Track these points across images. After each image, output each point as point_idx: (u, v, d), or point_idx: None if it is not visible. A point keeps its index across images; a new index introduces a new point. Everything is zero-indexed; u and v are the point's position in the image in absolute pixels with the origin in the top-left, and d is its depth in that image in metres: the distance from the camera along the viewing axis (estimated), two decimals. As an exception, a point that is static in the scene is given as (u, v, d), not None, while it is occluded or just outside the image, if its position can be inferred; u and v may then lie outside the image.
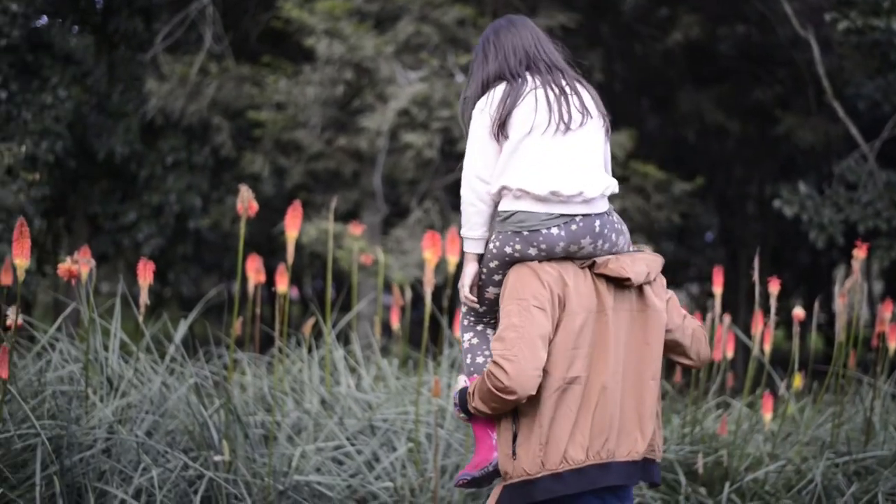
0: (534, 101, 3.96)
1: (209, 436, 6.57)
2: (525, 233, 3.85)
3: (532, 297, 3.77)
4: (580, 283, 3.88)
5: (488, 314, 4.12)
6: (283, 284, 7.16)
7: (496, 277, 3.97)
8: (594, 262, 3.92)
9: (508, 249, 3.89)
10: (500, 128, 3.94)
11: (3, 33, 15.36)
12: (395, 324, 8.27)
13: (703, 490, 6.84)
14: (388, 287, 15.63)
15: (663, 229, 16.51)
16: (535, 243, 3.85)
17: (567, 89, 4.03)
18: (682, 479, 6.78)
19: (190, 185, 17.37)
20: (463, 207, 4.04)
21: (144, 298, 6.47)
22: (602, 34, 17.52)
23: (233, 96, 16.17)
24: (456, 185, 15.99)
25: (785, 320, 8.60)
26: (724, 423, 7.27)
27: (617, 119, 15.25)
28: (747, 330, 9.84)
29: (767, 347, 7.28)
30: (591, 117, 4.02)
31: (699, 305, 23.90)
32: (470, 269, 4.04)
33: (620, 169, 15.24)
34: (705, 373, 7.52)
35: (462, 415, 3.98)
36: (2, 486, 5.93)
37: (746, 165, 20.21)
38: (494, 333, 3.91)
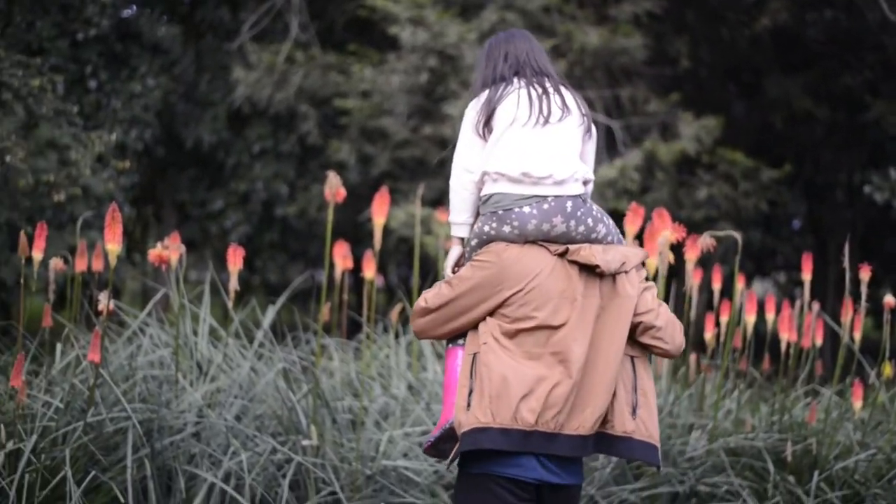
0: (516, 97, 4.29)
1: (297, 420, 6.63)
2: (500, 212, 4.15)
3: (478, 274, 4.14)
4: (554, 268, 4.15)
5: None
6: (370, 270, 7.20)
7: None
8: (567, 250, 4.16)
9: (486, 228, 4.18)
10: (485, 124, 4.27)
11: (92, 23, 15.53)
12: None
13: (791, 478, 6.78)
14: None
15: (750, 217, 16.33)
16: (508, 221, 4.13)
17: (550, 90, 4.34)
18: (771, 467, 6.73)
19: (276, 172, 17.48)
20: (450, 196, 4.38)
21: (234, 284, 6.53)
22: (688, 20, 17.36)
23: (319, 84, 16.24)
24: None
25: (874, 309, 8.53)
26: (814, 411, 7.21)
27: (703, 105, 15.11)
28: (836, 318, 9.74)
29: (857, 335, 7.20)
30: (570, 114, 4.31)
31: (786, 294, 23.62)
32: (454, 252, 4.41)
33: (708, 156, 15.14)
34: (794, 361, 7.45)
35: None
36: (94, 469, 6.02)
37: (835, 152, 19.93)
38: None
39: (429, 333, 4.27)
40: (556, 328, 4.10)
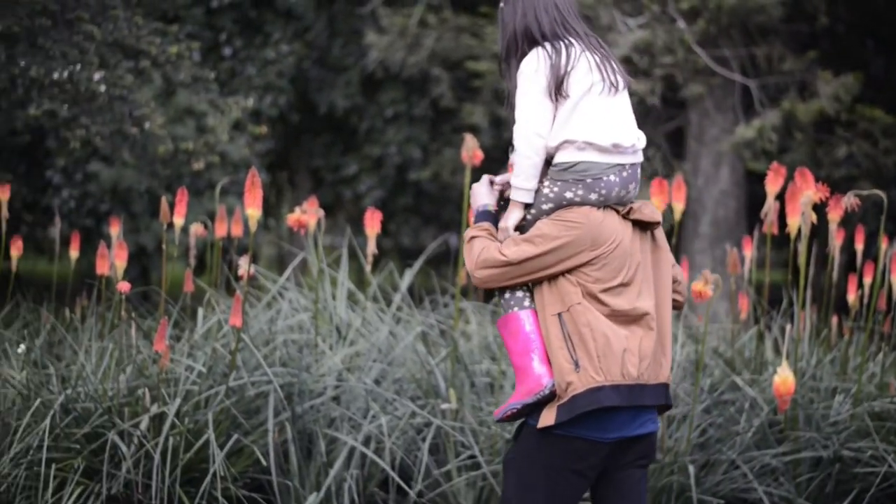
0: (587, 63, 4.25)
1: (436, 384, 6.62)
2: (589, 180, 4.19)
3: (568, 231, 4.15)
4: (624, 228, 4.25)
5: None
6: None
7: (544, 219, 4.26)
8: (630, 209, 4.27)
9: (569, 195, 4.20)
10: (557, 89, 4.21)
11: (227, -9, 15.68)
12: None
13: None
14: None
15: (891, 175, 15.95)
16: (596, 189, 4.19)
17: (604, 54, 4.33)
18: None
19: (409, 136, 17.52)
20: (518, 160, 4.27)
21: (372, 248, 6.54)
22: (827, -25, 17.00)
23: (451, 47, 16.19)
24: (678, 132, 15.78)
25: None
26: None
27: (841, 63, 14.70)
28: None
29: None
30: (624, 88, 4.33)
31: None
32: (516, 214, 4.30)
33: (846, 113, 14.80)
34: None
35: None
36: (236, 432, 6.09)
37: (979, 106, 19.39)
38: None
39: (491, 284, 4.25)
40: (629, 285, 4.21)
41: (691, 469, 6.13)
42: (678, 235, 8.46)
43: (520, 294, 4.26)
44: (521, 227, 4.31)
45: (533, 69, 4.23)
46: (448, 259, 21.98)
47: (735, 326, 7.70)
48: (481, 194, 4.44)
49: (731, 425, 6.60)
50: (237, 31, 16.44)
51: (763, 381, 6.82)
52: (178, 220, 6.39)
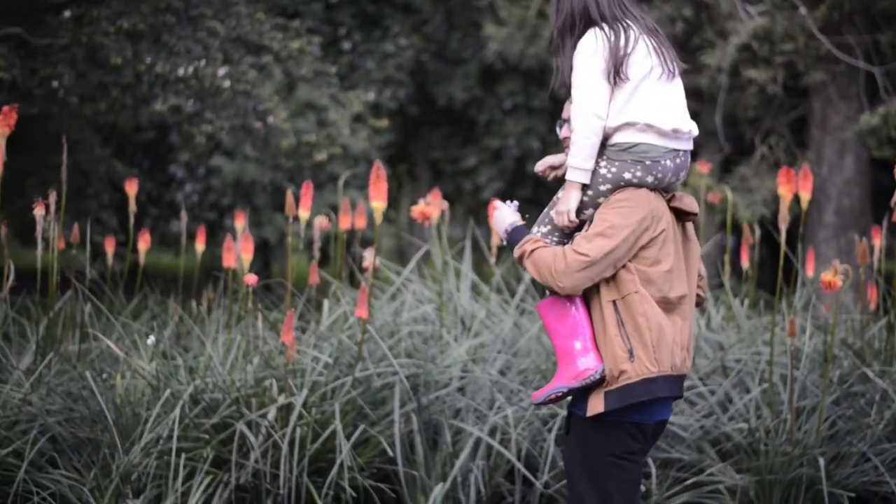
0: (645, 47, 4.25)
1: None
2: (647, 162, 4.21)
3: (634, 218, 4.15)
4: (666, 212, 4.28)
5: (568, 237, 4.37)
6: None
7: (601, 201, 4.25)
8: (672, 196, 4.34)
9: (627, 175, 4.22)
10: (616, 71, 4.20)
11: (346, -15, 15.77)
12: (746, 262, 8.05)
13: None
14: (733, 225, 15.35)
15: None
16: (654, 172, 4.22)
17: (662, 39, 4.35)
18: None
19: (528, 128, 17.49)
20: (576, 140, 4.25)
21: (496, 239, 6.52)
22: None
23: (570, 38, 16.10)
24: (801, 120, 15.52)
25: None
26: None
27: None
28: None
29: None
30: (678, 75, 4.36)
31: None
32: (575, 196, 4.27)
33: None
34: None
35: (504, 242, 4.45)
36: (363, 423, 6.12)
37: None
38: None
39: (581, 289, 4.15)
40: (672, 272, 4.22)
41: (821, 462, 6.03)
42: (804, 226, 8.31)
43: (553, 237, 4.34)
44: (579, 208, 4.28)
45: (591, 51, 4.22)
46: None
47: (864, 317, 7.55)
48: (506, 214, 4.45)
49: (862, 417, 6.48)
50: (356, 25, 16.54)
51: (894, 373, 6.68)
52: (304, 213, 6.45)
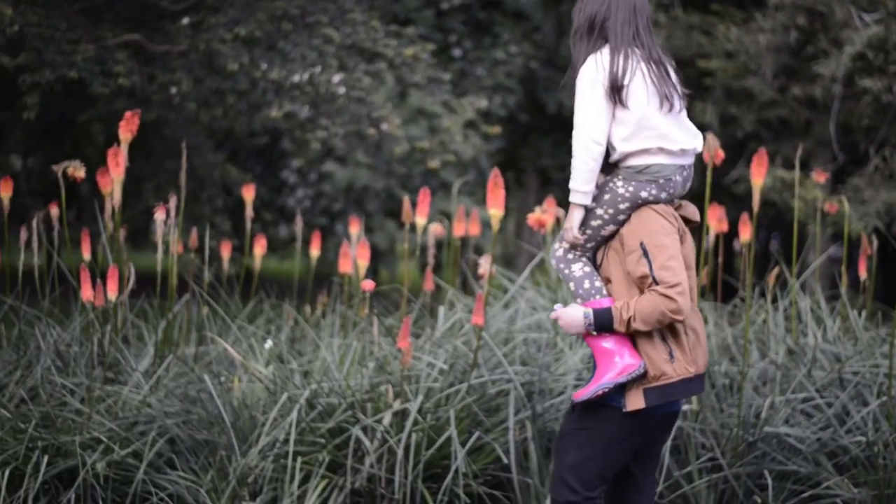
0: (643, 77, 4.41)
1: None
2: (661, 181, 4.45)
3: (673, 233, 4.42)
4: (679, 220, 4.54)
5: (591, 251, 4.61)
6: (746, 234, 7.04)
7: (621, 218, 4.48)
8: (679, 205, 4.60)
9: (644, 194, 4.44)
10: (615, 95, 4.39)
11: (456, -8, 15.81)
12: (863, 273, 7.94)
13: None
14: (840, 237, 15.14)
15: None
16: (667, 189, 4.47)
17: (663, 69, 4.46)
18: None
19: (636, 135, 17.38)
20: (576, 165, 4.49)
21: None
22: None
23: (682, 45, 16.00)
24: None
25: None
26: None
27: None
28: None
29: None
30: (682, 100, 4.52)
31: None
32: (577, 215, 4.53)
33: None
34: None
35: (594, 332, 4.47)
36: (477, 430, 6.12)
37: None
38: (592, 265, 4.58)
39: (688, 309, 4.38)
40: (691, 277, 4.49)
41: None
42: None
43: (598, 283, 4.52)
44: (593, 228, 4.51)
45: (591, 79, 4.43)
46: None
47: None
48: (573, 311, 4.52)
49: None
50: (467, 32, 16.59)
51: None
52: (420, 220, 6.48)
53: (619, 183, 4.46)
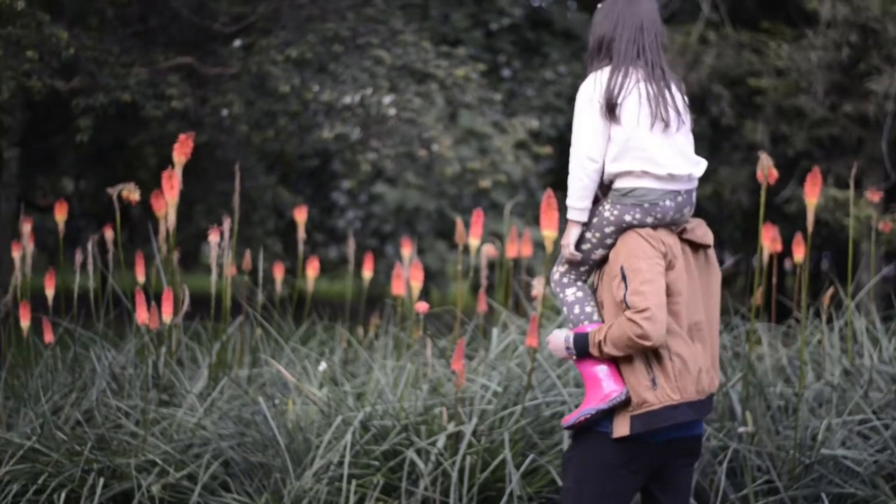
0: (637, 95, 4.39)
1: (731, 406, 6.50)
2: (646, 205, 4.39)
3: (655, 257, 4.31)
4: (676, 245, 4.43)
5: (585, 274, 4.62)
6: (799, 254, 6.98)
7: (608, 242, 4.46)
8: (683, 229, 4.48)
9: (628, 218, 4.40)
10: (609, 112, 4.38)
11: (505, 13, 15.82)
12: (920, 293, 7.88)
13: None
14: (894, 256, 15.05)
15: None
16: (652, 213, 4.39)
17: (664, 88, 4.45)
18: None
19: (689, 155, 17.33)
20: (571, 182, 4.51)
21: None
22: None
23: (732, 64, 15.95)
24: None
25: None
26: None
27: None
28: None
29: None
30: (683, 123, 4.50)
31: None
32: (574, 231, 4.51)
33: None
34: None
35: (574, 356, 4.47)
36: (532, 452, 6.10)
37: None
38: (589, 288, 4.58)
39: (665, 332, 4.29)
40: (688, 301, 4.40)
41: None
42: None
43: (589, 309, 4.51)
44: (584, 251, 4.51)
45: (588, 96, 4.45)
46: (733, 279, 21.66)
47: None
48: (557, 334, 4.56)
49: None
50: (516, 52, 16.58)
51: None
52: (474, 241, 6.47)
53: (607, 206, 4.46)
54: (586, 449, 4.46)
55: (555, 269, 4.69)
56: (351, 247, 8.67)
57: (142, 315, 6.42)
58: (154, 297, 6.59)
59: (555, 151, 17.00)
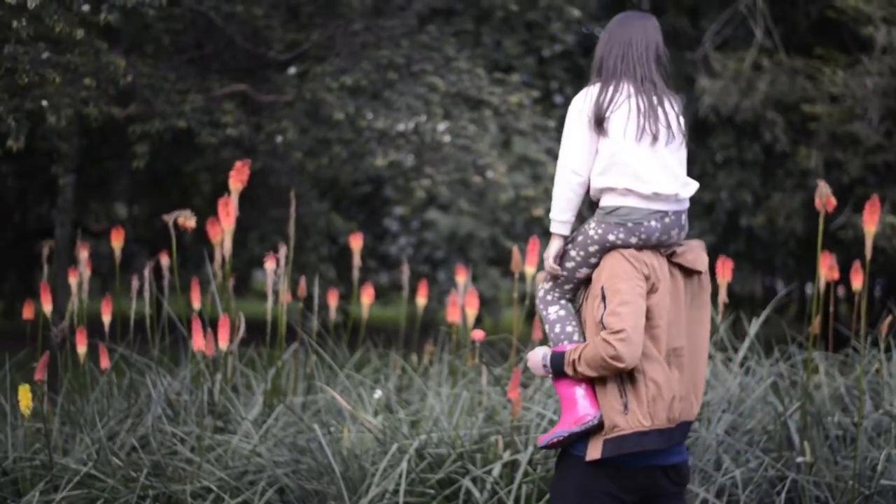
0: (627, 109, 4.38)
1: (788, 436, 6.45)
2: (630, 224, 4.34)
3: (637, 279, 4.26)
4: (662, 268, 4.35)
5: (570, 292, 4.56)
6: (857, 282, 6.93)
7: (592, 261, 4.41)
8: (673, 252, 4.42)
9: (612, 237, 4.36)
10: (597, 125, 4.36)
11: (557, 39, 15.82)
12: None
13: None
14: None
15: None
16: (637, 233, 4.35)
17: (655, 102, 4.42)
18: None
19: (740, 181, 17.26)
20: (555, 194, 4.52)
21: (724, 297, 6.43)
22: None
23: (786, 90, 15.86)
24: None
25: None
26: None
27: None
28: None
29: None
30: (674, 137, 4.44)
31: None
32: (556, 245, 4.49)
33: None
34: None
35: (550, 375, 4.45)
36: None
37: None
38: (572, 307, 4.54)
39: (640, 354, 4.24)
40: (669, 326, 4.33)
41: None
42: None
43: (570, 328, 4.49)
44: (568, 270, 4.47)
45: (578, 108, 4.44)
46: (786, 307, 21.48)
47: None
48: (535, 353, 4.53)
49: None
50: (568, 79, 16.57)
51: None
52: (530, 269, 6.46)
53: (592, 224, 4.41)
54: (565, 473, 4.45)
55: (540, 286, 4.67)
56: (405, 273, 8.67)
57: (198, 342, 6.44)
58: (209, 324, 6.62)
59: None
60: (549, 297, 4.60)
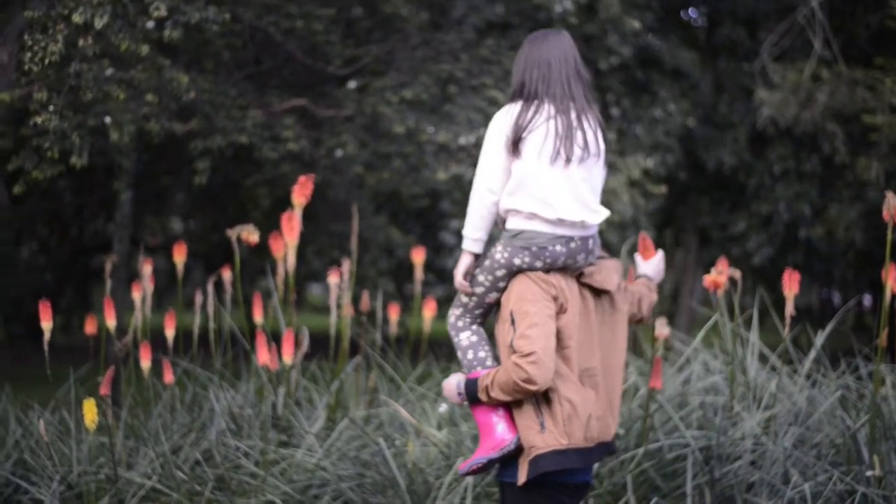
0: (544, 130, 4.40)
1: (857, 449, 6.38)
2: (534, 248, 4.39)
3: (545, 300, 4.31)
4: (571, 289, 4.43)
5: (482, 316, 4.62)
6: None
7: (501, 285, 4.47)
8: (582, 273, 4.51)
9: (517, 261, 4.41)
10: (514, 146, 4.41)
11: (614, 52, 15.77)
12: None
13: None
14: None
15: None
16: (541, 257, 4.40)
17: (574, 123, 4.43)
18: None
19: (799, 193, 17.13)
20: (469, 211, 4.55)
21: (790, 309, 6.37)
22: None
23: (845, 101, 15.72)
24: None
25: None
26: None
27: None
28: None
29: None
30: (590, 154, 4.47)
31: None
32: (465, 261, 4.56)
33: None
34: None
35: (465, 402, 4.49)
36: (655, 495, 6.03)
37: None
38: (484, 332, 4.61)
39: (548, 375, 4.24)
40: (580, 346, 4.40)
41: None
42: None
43: (482, 354, 4.54)
44: (478, 294, 4.52)
45: (498, 126, 4.50)
46: (845, 318, 21.28)
47: None
48: (450, 380, 4.58)
49: None
50: (625, 91, 16.52)
51: None
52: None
53: (498, 248, 4.45)
54: (507, 496, 4.47)
55: (451, 311, 4.69)
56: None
57: (263, 356, 6.46)
58: (271, 338, 6.63)
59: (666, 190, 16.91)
60: (459, 324, 4.64)
